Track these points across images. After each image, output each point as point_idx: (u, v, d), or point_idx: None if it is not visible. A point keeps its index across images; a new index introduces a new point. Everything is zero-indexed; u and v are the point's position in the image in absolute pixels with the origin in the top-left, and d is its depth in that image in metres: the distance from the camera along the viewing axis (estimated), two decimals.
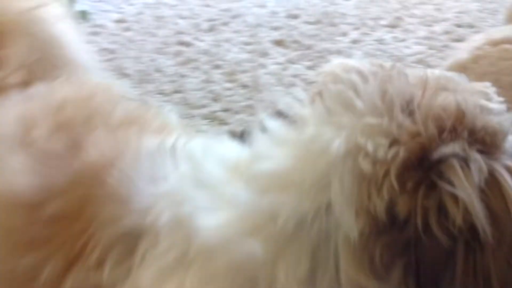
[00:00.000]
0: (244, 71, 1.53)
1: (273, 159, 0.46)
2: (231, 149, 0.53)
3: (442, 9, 1.94)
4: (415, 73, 0.48)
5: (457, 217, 0.40)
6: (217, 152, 0.53)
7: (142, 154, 0.55)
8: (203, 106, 1.36)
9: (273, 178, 0.46)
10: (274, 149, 0.47)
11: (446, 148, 0.41)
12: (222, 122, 1.29)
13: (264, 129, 0.49)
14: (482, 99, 0.45)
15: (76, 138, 0.59)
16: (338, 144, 0.43)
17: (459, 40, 1.58)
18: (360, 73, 0.47)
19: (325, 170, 0.44)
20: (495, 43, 0.93)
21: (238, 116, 1.31)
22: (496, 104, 0.46)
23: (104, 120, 0.61)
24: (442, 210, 0.40)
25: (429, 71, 0.49)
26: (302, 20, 1.88)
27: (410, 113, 0.43)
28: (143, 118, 0.63)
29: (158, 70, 1.56)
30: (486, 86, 0.48)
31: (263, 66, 1.57)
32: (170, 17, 1.97)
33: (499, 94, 0.47)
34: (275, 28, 1.82)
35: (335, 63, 0.51)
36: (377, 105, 0.44)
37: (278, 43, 1.71)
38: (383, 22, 1.83)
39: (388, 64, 0.49)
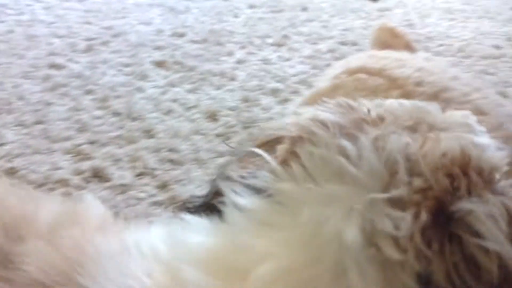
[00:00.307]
0: (118, 97, 1.42)
1: (272, 256, 0.40)
2: (197, 237, 0.44)
3: (328, 26, 1.95)
4: (388, 107, 0.45)
5: (493, 268, 0.39)
6: (184, 245, 0.44)
7: (103, 258, 0.45)
8: (66, 139, 1.23)
9: (281, 283, 0.39)
10: (264, 239, 0.41)
11: (466, 203, 0.39)
12: (86, 157, 1.17)
13: (235, 206, 0.43)
14: (472, 134, 0.44)
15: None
16: (353, 233, 0.39)
17: (341, 58, 1.58)
18: (342, 130, 0.42)
19: (337, 259, 0.39)
20: (352, 72, 0.90)
21: (105, 149, 1.20)
22: (483, 135, 0.45)
23: (29, 227, 0.48)
24: (471, 261, 0.39)
25: (398, 101, 0.47)
26: (188, 39, 1.80)
27: (414, 167, 0.40)
28: (79, 215, 0.51)
29: (20, 98, 1.40)
30: (467, 116, 0.46)
31: (140, 90, 1.47)
32: (44, 36, 1.81)
33: (480, 122, 0.47)
34: (158, 48, 1.72)
35: (305, 114, 0.46)
36: (377, 170, 0.40)
37: (159, 64, 1.62)
38: (270, 41, 1.80)
39: (354, 103, 0.46)
